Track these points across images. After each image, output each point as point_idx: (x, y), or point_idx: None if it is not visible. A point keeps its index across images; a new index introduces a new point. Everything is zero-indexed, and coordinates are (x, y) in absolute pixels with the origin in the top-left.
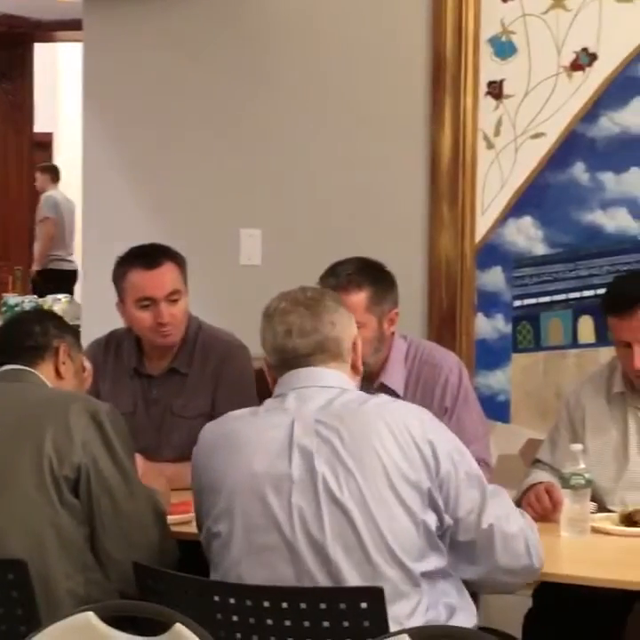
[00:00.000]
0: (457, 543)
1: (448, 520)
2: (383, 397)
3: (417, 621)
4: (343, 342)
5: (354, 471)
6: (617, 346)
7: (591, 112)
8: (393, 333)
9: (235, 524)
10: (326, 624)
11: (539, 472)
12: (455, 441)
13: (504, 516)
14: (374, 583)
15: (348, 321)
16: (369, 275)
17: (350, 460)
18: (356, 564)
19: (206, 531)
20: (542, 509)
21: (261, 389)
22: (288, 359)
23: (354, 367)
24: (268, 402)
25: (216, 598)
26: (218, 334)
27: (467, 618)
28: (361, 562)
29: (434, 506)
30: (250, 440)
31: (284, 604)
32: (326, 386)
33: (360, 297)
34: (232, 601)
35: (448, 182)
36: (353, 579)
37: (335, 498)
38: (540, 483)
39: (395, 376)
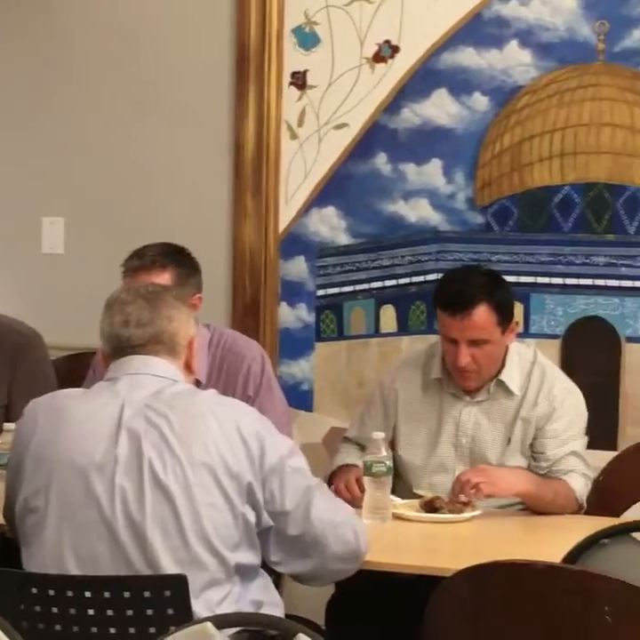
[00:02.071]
0: (288, 538)
1: (267, 518)
2: (213, 391)
3: (226, 610)
4: (178, 338)
5: (180, 457)
6: (443, 340)
7: (393, 103)
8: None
9: (51, 500)
10: (130, 612)
11: (343, 454)
12: (282, 437)
13: (331, 505)
14: (190, 568)
15: (186, 319)
16: (173, 257)
17: (177, 447)
18: (173, 547)
19: (23, 504)
20: (352, 499)
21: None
22: (122, 348)
23: (188, 366)
24: (100, 384)
25: (15, 588)
26: (11, 323)
27: (273, 613)
28: (178, 546)
29: (252, 502)
30: (79, 419)
31: (88, 594)
32: (158, 375)
33: (163, 278)
34: (34, 591)
35: (252, 172)
36: (167, 562)
37: (159, 481)
38: (348, 466)
39: (198, 364)
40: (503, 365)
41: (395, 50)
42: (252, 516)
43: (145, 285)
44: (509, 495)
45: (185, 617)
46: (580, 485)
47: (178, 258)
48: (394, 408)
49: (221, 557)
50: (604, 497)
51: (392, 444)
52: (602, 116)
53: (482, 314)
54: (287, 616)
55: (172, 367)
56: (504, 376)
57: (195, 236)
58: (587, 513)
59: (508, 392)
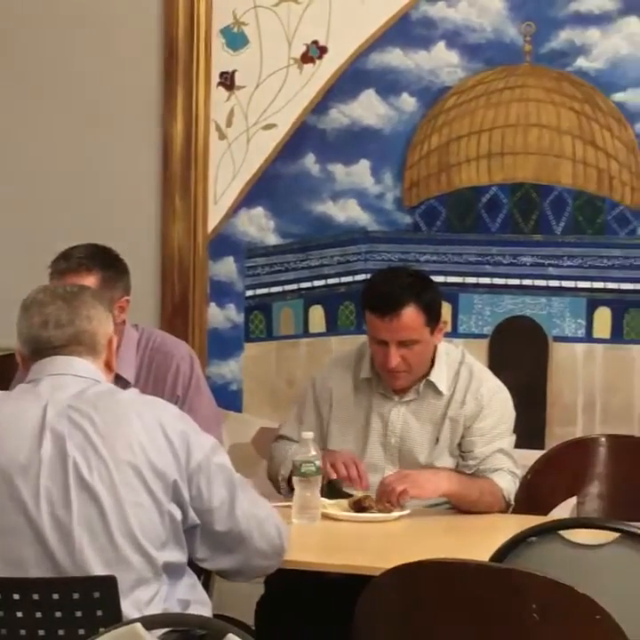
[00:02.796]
0: (214, 534)
1: (193, 516)
2: (135, 390)
3: (155, 609)
4: (98, 337)
5: (105, 457)
6: (372, 341)
7: (321, 104)
8: (124, 322)
9: None
10: (59, 614)
11: (293, 445)
12: (205, 434)
13: (254, 502)
14: (117, 568)
15: (105, 317)
16: (100, 260)
17: (102, 447)
18: (100, 548)
19: None
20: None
21: None
22: (43, 349)
23: (108, 365)
24: (21, 386)
25: None
26: None
27: (201, 611)
28: (105, 546)
29: (178, 500)
30: (1, 421)
31: (16, 596)
32: (80, 376)
33: (90, 281)
34: None
35: (180, 172)
36: (96, 563)
37: (85, 482)
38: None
39: (126, 365)
40: (432, 365)
41: (323, 50)
42: (178, 514)
43: (63, 286)
44: (435, 496)
45: (114, 618)
46: (507, 483)
47: (105, 260)
48: (327, 407)
49: (149, 556)
50: (532, 495)
51: (324, 443)
52: (528, 116)
53: (410, 315)
54: (217, 616)
55: (94, 367)
56: (433, 376)
57: (123, 235)
58: (515, 511)
59: (436, 392)
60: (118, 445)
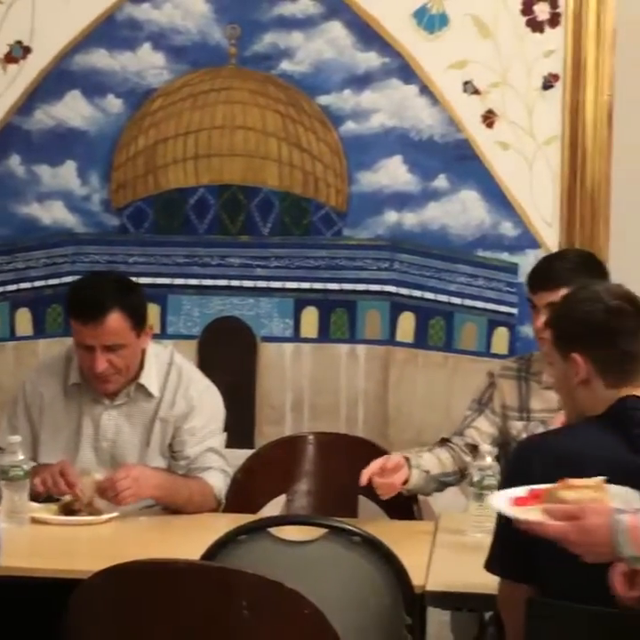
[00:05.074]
0: None
1: None
2: None
3: None
4: None
5: None
6: (78, 346)
7: (26, 105)
8: None
9: None
10: None
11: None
12: None
13: None
14: None
15: None
16: None
17: None
18: None
19: None
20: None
21: None
22: None
23: None
24: None
25: None
26: None
27: None
28: None
29: None
30: None
31: None
32: None
33: None
34: None
35: None
36: None
37: None
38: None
39: None
40: (142, 368)
41: (26, 50)
42: None
43: None
44: (146, 496)
45: None
46: (218, 482)
47: None
48: (38, 412)
49: None
50: (242, 494)
51: (36, 450)
52: (235, 118)
53: (114, 320)
54: None
55: None
56: (143, 379)
57: None
58: (226, 510)
59: (147, 394)
60: None
